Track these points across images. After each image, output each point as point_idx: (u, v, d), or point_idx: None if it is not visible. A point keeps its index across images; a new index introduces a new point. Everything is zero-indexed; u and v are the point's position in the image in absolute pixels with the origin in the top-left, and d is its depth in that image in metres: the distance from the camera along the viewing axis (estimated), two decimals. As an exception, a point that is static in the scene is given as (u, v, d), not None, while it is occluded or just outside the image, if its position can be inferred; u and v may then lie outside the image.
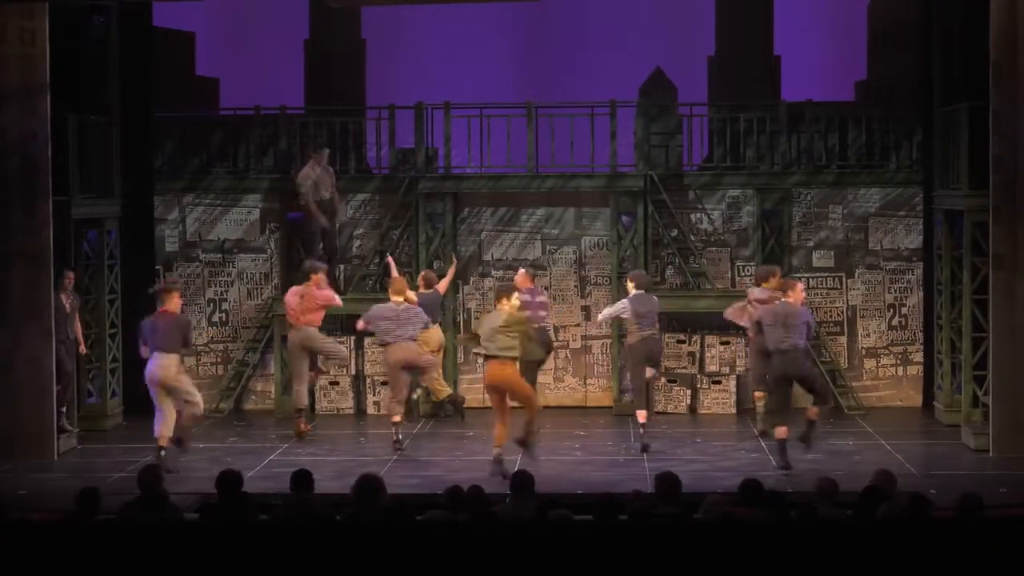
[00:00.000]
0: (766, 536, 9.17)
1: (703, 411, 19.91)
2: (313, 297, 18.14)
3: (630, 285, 17.52)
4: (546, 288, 20.01)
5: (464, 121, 20.42)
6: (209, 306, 20.74)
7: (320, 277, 18.21)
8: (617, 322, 18.58)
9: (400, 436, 17.44)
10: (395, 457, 16.98)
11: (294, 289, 18.49)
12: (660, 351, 17.86)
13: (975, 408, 17.96)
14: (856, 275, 20.54)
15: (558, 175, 20.43)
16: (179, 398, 16.39)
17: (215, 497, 11.25)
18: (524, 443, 16.10)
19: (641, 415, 17.37)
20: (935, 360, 19.61)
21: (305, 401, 18.60)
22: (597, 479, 15.54)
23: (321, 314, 18.31)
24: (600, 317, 18.11)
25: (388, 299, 17.65)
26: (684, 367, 20.08)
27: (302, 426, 18.26)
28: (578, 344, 20.47)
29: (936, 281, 19.46)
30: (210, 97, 22.67)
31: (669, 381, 20.01)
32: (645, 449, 17.09)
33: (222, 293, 20.73)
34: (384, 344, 17.58)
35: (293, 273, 20.30)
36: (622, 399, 19.80)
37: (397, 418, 17.48)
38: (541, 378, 19.42)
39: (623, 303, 17.46)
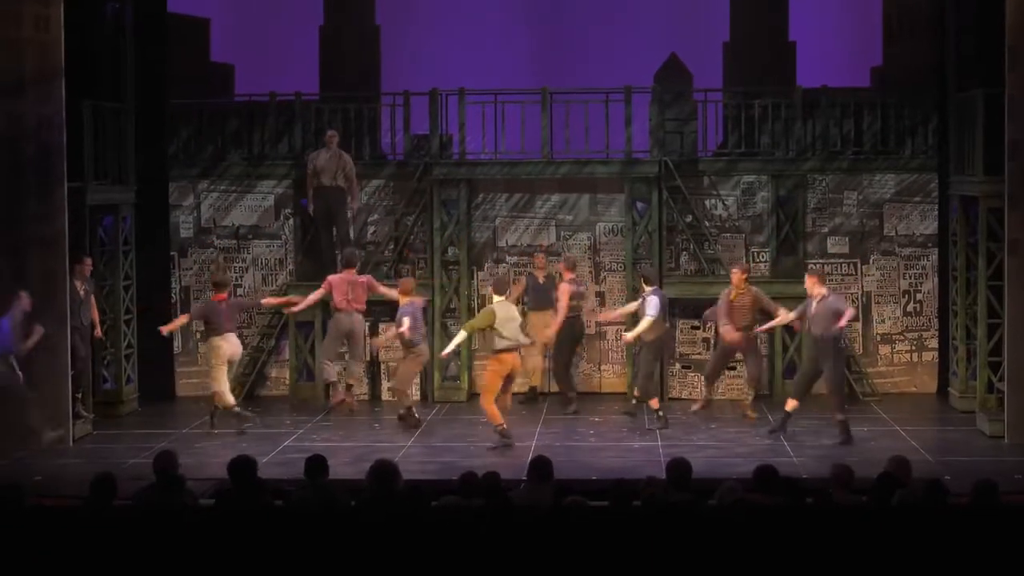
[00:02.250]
0: (780, 522, 9.17)
1: (717, 397, 19.90)
2: (360, 283, 18.68)
3: (645, 282, 18.10)
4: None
5: (479, 107, 20.39)
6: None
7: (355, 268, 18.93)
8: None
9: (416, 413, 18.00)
10: (411, 442, 17.03)
11: (337, 278, 18.75)
12: (669, 345, 18.64)
13: (990, 394, 17.96)
14: (871, 261, 20.51)
15: (573, 161, 20.41)
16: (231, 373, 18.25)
17: (230, 483, 11.29)
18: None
19: (654, 402, 17.87)
20: (950, 346, 19.60)
21: (334, 376, 18.96)
22: (611, 465, 15.56)
23: (365, 298, 18.79)
24: (639, 329, 17.96)
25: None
26: (699, 353, 20.07)
27: (344, 399, 18.94)
28: (592, 330, 20.43)
29: (951, 267, 19.45)
30: (225, 83, 22.67)
31: (683, 367, 20.03)
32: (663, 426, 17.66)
33: (237, 279, 20.72)
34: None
35: (308, 259, 20.37)
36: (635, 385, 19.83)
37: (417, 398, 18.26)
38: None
39: (655, 302, 17.79)
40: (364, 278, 18.93)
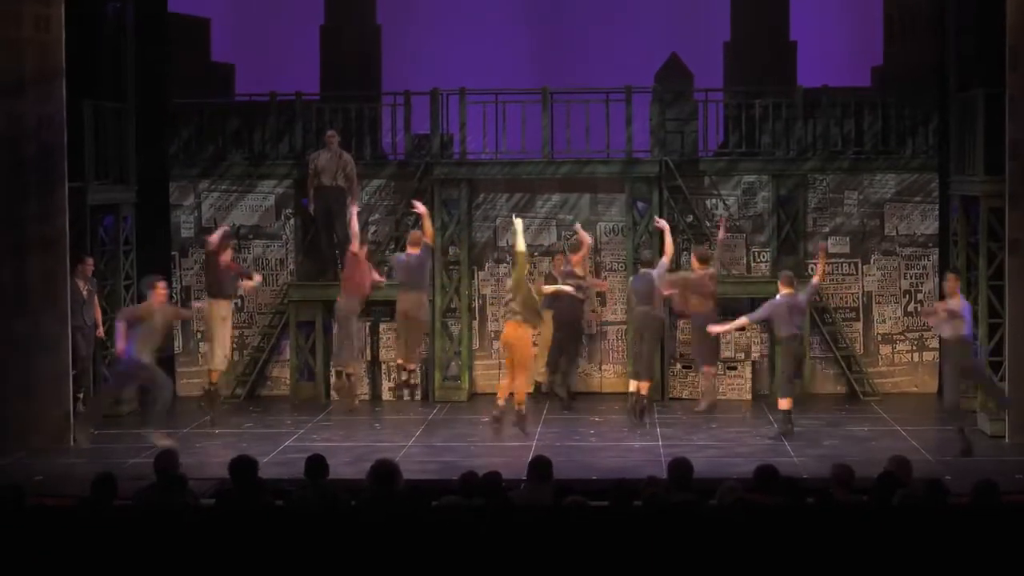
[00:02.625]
0: (781, 522, 9.17)
1: (719, 397, 19.88)
2: (361, 266, 18.71)
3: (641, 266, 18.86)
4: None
5: (479, 107, 20.39)
6: (225, 292, 20.73)
7: (364, 250, 18.90)
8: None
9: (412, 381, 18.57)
10: (411, 442, 17.04)
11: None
12: (651, 326, 18.41)
13: (991, 394, 17.94)
14: (872, 261, 20.51)
15: (573, 161, 20.42)
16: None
17: (231, 483, 11.29)
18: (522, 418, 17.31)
19: (643, 386, 18.17)
20: (951, 346, 19.57)
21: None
22: (612, 465, 15.55)
23: (368, 284, 18.71)
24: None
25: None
26: (699, 353, 20.05)
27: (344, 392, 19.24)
28: (593, 330, 20.45)
29: (952, 267, 19.42)
30: (226, 83, 22.68)
31: (684, 367, 20.03)
32: (640, 415, 18.04)
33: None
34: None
35: (309, 259, 20.37)
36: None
37: (412, 365, 18.46)
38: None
39: (630, 282, 18.98)
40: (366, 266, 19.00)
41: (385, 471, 10.79)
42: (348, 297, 18.53)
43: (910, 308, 20.48)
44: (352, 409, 18.87)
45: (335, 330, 19.14)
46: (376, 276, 18.75)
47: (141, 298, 18.16)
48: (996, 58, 17.13)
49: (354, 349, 18.83)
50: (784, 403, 17.31)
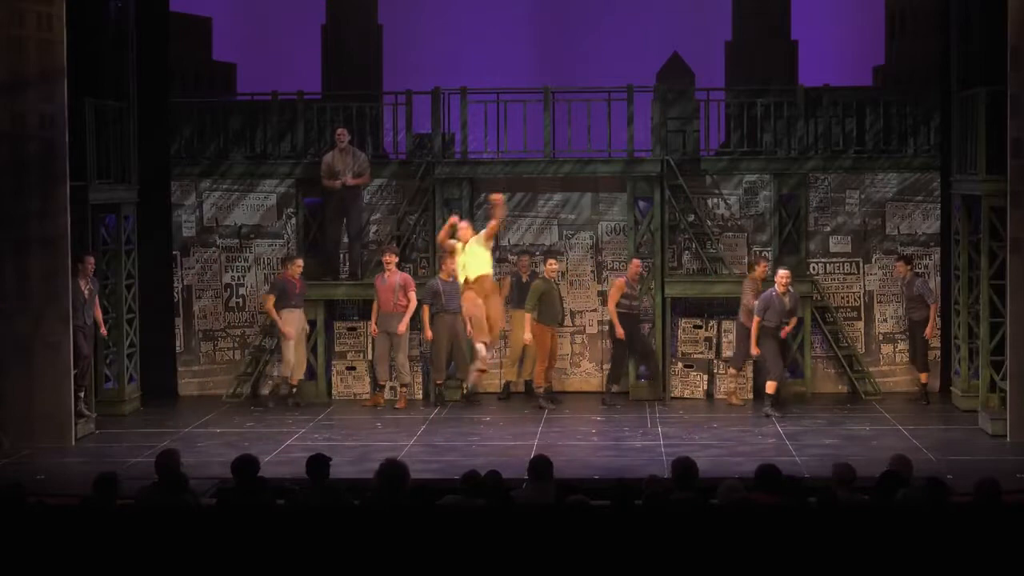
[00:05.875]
0: (783, 521, 9.17)
1: (720, 396, 19.90)
2: (391, 282, 19.44)
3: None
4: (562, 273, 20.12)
5: (481, 106, 20.37)
6: (226, 291, 20.75)
7: (390, 259, 19.46)
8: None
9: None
10: (412, 442, 17.04)
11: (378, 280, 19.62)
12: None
13: (992, 393, 17.92)
14: (873, 260, 20.50)
15: (575, 160, 20.40)
16: None
17: (233, 482, 11.29)
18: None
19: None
20: (952, 345, 19.57)
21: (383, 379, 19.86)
22: (613, 464, 15.55)
23: (399, 295, 19.48)
24: None
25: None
26: (700, 352, 20.06)
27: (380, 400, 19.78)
28: (595, 329, 20.46)
29: (953, 266, 19.42)
30: (227, 82, 22.69)
31: (686, 366, 20.02)
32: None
33: (239, 278, 20.73)
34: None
35: (311, 257, 20.34)
36: (638, 384, 19.81)
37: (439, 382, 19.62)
38: (560, 363, 19.91)
39: None
40: (400, 277, 19.47)
41: (395, 472, 10.77)
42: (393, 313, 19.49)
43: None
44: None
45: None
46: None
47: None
48: (998, 57, 17.13)
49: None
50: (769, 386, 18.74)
